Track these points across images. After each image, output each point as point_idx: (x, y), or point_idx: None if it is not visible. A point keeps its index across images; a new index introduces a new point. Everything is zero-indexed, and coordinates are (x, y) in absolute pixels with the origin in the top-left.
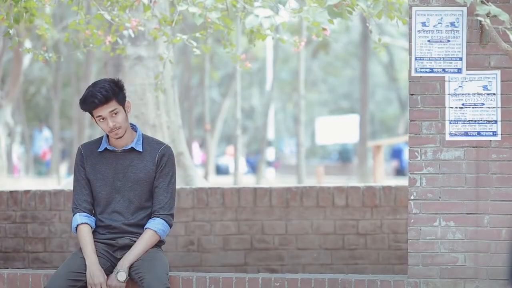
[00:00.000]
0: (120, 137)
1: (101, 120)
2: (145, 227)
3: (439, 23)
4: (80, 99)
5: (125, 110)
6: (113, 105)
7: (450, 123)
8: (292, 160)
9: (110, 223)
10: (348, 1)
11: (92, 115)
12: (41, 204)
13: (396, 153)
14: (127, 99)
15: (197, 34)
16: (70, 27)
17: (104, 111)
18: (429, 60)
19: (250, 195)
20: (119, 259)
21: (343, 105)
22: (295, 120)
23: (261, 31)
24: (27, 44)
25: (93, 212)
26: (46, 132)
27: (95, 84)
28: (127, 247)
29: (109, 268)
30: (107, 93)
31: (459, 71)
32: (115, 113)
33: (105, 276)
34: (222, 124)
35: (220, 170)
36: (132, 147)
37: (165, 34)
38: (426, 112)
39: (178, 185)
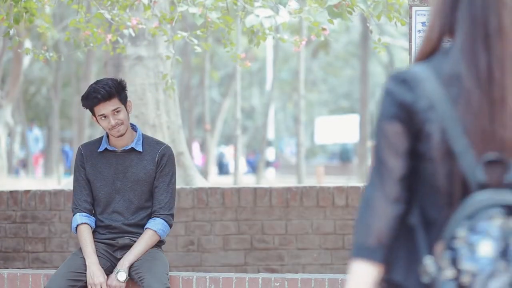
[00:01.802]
0: (122, 135)
1: (103, 118)
2: (145, 227)
3: None
4: (83, 96)
5: (126, 110)
6: (115, 103)
7: None
8: (292, 160)
9: (110, 223)
10: (348, 1)
11: (94, 114)
12: (41, 204)
13: None
14: (128, 98)
15: (198, 32)
16: (71, 25)
17: (107, 108)
18: None
19: (250, 195)
20: (119, 259)
21: (343, 105)
22: (295, 120)
23: (262, 31)
24: (27, 44)
25: (93, 212)
26: (36, 131)
27: (98, 82)
28: (127, 247)
29: (109, 268)
30: (110, 89)
31: None
32: (117, 112)
33: (105, 276)
34: (222, 124)
35: (223, 169)
36: (132, 147)
37: (165, 32)
38: None
39: (178, 185)
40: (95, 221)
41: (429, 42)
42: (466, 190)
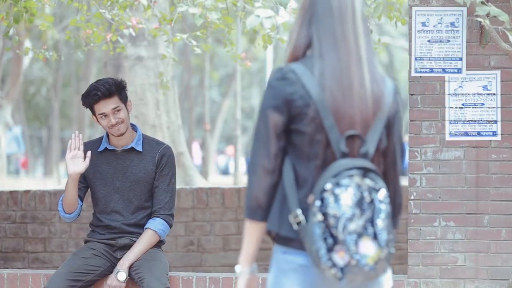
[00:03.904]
0: (122, 134)
1: (103, 117)
2: (145, 227)
3: (439, 23)
4: (83, 94)
5: (127, 109)
6: (115, 101)
7: (450, 123)
8: None
9: (109, 223)
10: None
11: (94, 113)
12: (41, 204)
13: None
14: (128, 98)
15: (198, 33)
16: (71, 24)
17: (107, 107)
18: (429, 60)
19: None
20: (119, 259)
21: None
22: None
23: (263, 32)
24: (27, 44)
25: (82, 205)
26: (16, 130)
27: (98, 80)
28: (127, 247)
29: (109, 268)
30: (110, 87)
31: (459, 71)
32: (118, 111)
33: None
34: (222, 124)
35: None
36: (132, 147)
37: (165, 33)
38: (426, 112)
39: (178, 185)
40: (96, 220)
41: (297, 49)
42: (333, 157)
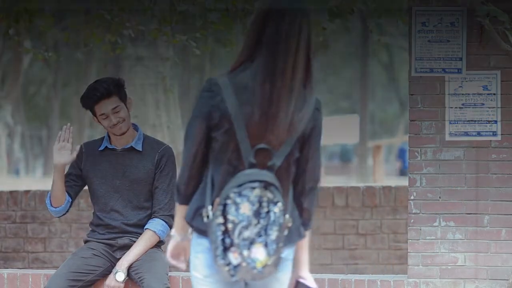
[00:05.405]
0: (124, 133)
1: (104, 118)
2: (145, 227)
3: (439, 23)
4: (82, 96)
5: (127, 107)
6: (114, 101)
7: (450, 123)
8: None
9: (109, 223)
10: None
11: (94, 114)
12: (41, 204)
13: (401, 153)
14: (128, 96)
15: (197, 34)
16: (71, 27)
17: (107, 107)
18: (429, 60)
19: None
20: (119, 259)
21: (343, 105)
22: None
23: None
24: (27, 44)
25: (70, 203)
26: None
27: (96, 81)
28: (127, 247)
29: (108, 268)
30: (108, 87)
31: (459, 71)
32: (118, 110)
33: (68, 158)
34: None
35: None
36: (131, 146)
37: (166, 34)
38: (426, 112)
39: None
40: (96, 219)
41: (238, 63)
42: (242, 166)
